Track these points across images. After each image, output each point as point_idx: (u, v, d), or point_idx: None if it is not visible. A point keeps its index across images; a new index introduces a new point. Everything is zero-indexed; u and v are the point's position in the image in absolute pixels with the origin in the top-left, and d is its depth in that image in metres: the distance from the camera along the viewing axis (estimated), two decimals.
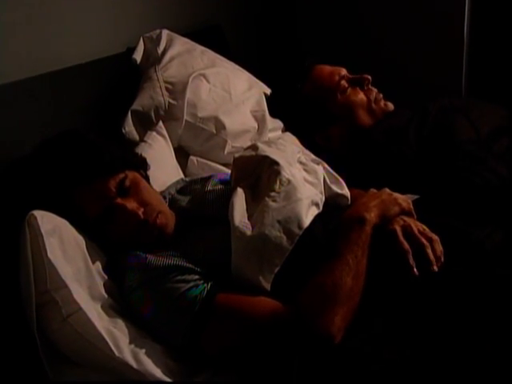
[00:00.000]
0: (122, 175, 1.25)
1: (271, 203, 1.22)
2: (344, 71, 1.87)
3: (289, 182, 1.26)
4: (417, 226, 1.23)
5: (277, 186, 1.25)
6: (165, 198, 1.42)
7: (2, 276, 1.22)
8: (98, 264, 1.24)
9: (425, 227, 1.24)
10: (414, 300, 1.13)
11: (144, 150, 1.54)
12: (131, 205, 1.23)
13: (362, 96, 1.83)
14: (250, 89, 1.87)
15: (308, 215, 1.23)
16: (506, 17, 2.07)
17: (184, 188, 1.47)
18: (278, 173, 1.28)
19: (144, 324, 1.19)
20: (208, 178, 1.46)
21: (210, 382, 1.15)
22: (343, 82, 1.84)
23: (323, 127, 1.84)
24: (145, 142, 1.59)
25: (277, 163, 1.30)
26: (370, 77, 1.85)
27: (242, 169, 1.35)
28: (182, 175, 1.63)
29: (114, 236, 1.26)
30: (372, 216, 1.21)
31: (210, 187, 1.40)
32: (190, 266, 1.19)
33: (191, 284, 1.15)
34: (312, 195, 1.27)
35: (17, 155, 1.36)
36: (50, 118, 1.51)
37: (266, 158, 1.32)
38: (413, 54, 2.21)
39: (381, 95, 1.85)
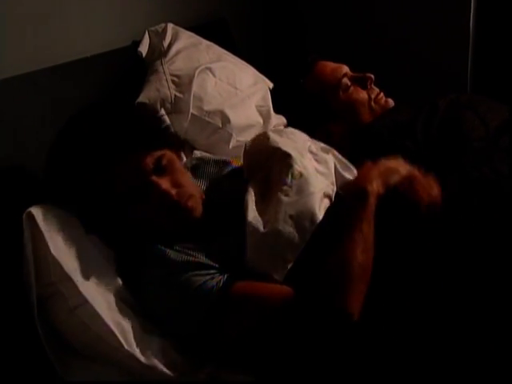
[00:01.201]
0: (160, 153, 1.23)
1: (283, 198, 1.22)
2: (347, 69, 1.87)
3: (301, 175, 1.26)
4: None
5: (289, 180, 1.25)
6: None
7: (7, 268, 1.22)
8: (105, 256, 1.24)
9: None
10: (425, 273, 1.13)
11: None
12: (166, 184, 1.21)
13: (363, 95, 1.84)
14: (256, 84, 1.87)
15: (321, 209, 1.23)
16: None
17: (197, 167, 1.46)
18: (289, 166, 1.27)
19: (156, 316, 1.18)
20: (223, 163, 1.46)
21: (210, 380, 1.15)
22: (346, 80, 1.84)
23: (324, 123, 1.84)
24: None
25: (289, 155, 1.29)
26: (372, 76, 1.85)
27: (254, 159, 1.35)
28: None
29: (143, 214, 1.22)
30: (374, 187, 1.20)
31: (224, 174, 1.40)
32: (208, 261, 1.18)
33: (208, 277, 1.15)
34: (324, 187, 1.27)
35: (21, 150, 1.36)
36: (56, 112, 1.50)
37: (278, 149, 1.31)
38: (418, 50, 2.21)
39: (382, 94, 1.85)
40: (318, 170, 1.32)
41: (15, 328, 1.20)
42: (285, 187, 1.24)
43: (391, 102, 1.84)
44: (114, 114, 1.23)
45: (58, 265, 1.13)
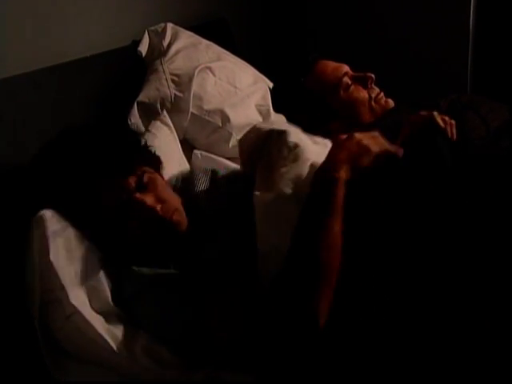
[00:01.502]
0: (139, 172, 1.25)
1: (282, 169, 1.22)
2: (347, 68, 1.88)
3: (296, 145, 1.25)
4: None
5: (285, 153, 1.24)
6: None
7: (7, 272, 1.23)
8: (100, 265, 1.24)
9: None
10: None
11: (149, 140, 1.52)
12: (150, 200, 1.22)
13: (364, 94, 1.84)
14: (255, 83, 1.87)
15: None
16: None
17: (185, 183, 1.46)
18: (285, 140, 1.26)
19: (144, 326, 1.18)
20: (212, 172, 1.45)
21: (208, 380, 1.14)
22: (346, 79, 1.84)
23: (324, 122, 1.84)
24: (149, 131, 1.59)
25: (283, 131, 1.28)
26: (373, 76, 1.85)
27: (252, 152, 1.34)
28: (187, 164, 1.63)
29: (129, 231, 1.24)
30: (342, 173, 1.14)
31: (218, 181, 1.39)
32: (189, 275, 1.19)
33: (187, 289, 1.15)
34: (321, 153, 1.24)
35: (22, 148, 1.36)
36: (56, 111, 1.51)
37: (272, 130, 1.31)
38: (418, 49, 2.22)
39: (382, 94, 1.85)
40: (314, 141, 1.32)
41: (13, 330, 1.21)
42: (282, 161, 1.23)
43: (391, 102, 1.84)
44: (94, 138, 1.25)
45: (54, 272, 1.15)
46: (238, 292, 1.12)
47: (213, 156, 1.68)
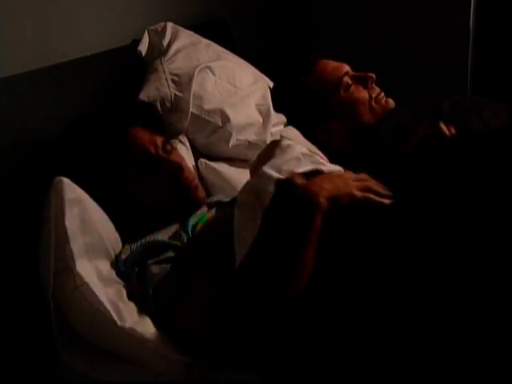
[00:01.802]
0: (166, 138, 1.33)
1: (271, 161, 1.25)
2: (348, 68, 1.87)
3: (288, 146, 1.29)
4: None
5: (277, 152, 1.28)
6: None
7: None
8: (115, 239, 1.26)
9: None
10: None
11: None
12: (176, 158, 1.31)
13: (364, 94, 1.84)
14: (256, 82, 1.87)
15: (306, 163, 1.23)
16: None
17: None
18: (277, 142, 1.32)
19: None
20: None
21: (208, 380, 1.14)
22: (347, 79, 1.84)
23: (324, 122, 1.84)
24: None
25: (277, 140, 1.34)
26: (373, 75, 1.85)
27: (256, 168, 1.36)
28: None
29: (148, 194, 1.27)
30: (324, 203, 1.07)
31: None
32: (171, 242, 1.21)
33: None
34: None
35: (21, 147, 1.36)
36: (55, 111, 1.50)
37: (268, 144, 1.36)
38: (418, 49, 2.22)
39: (382, 94, 1.85)
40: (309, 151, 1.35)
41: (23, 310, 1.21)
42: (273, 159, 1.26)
43: (391, 102, 1.84)
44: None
45: (66, 239, 1.14)
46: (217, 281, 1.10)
47: (217, 168, 1.69)
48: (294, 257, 1.01)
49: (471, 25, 2.12)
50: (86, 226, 1.19)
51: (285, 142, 1.32)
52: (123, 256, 1.23)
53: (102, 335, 1.14)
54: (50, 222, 1.16)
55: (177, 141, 1.64)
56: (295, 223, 1.05)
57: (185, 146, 1.66)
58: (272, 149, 1.32)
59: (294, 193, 1.09)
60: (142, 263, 1.19)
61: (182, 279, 1.13)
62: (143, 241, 1.24)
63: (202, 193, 1.35)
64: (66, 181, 1.19)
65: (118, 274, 1.22)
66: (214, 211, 1.33)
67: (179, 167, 1.29)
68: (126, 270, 1.21)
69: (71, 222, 1.16)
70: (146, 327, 1.12)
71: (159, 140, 1.32)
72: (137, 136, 1.30)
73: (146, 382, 1.14)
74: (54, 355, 1.15)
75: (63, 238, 1.15)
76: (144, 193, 1.27)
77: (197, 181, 1.34)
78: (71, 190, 1.19)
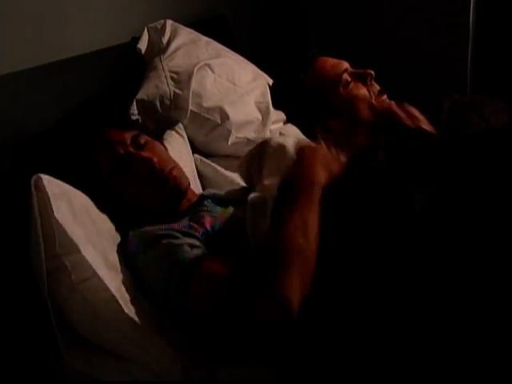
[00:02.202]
0: (136, 132, 1.30)
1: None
2: (347, 65, 1.87)
3: (280, 146, 1.32)
4: None
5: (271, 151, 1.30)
6: None
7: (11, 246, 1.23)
8: (108, 228, 1.24)
9: None
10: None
11: None
12: (145, 153, 1.27)
13: (364, 91, 1.83)
14: (255, 80, 1.87)
15: None
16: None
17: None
18: (267, 142, 1.34)
19: (146, 287, 1.18)
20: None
21: (208, 380, 1.14)
22: (346, 76, 1.84)
23: (324, 119, 1.84)
24: (164, 139, 1.59)
25: (268, 139, 1.36)
26: (373, 72, 1.84)
27: (249, 169, 1.37)
28: (197, 177, 1.65)
29: (129, 192, 1.26)
30: (321, 179, 1.16)
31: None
32: (189, 231, 1.19)
33: (185, 246, 1.14)
34: None
35: (21, 144, 1.37)
36: (55, 108, 1.50)
37: (261, 143, 1.36)
38: (418, 46, 2.22)
39: (382, 91, 1.85)
40: None
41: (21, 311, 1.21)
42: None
43: (392, 102, 1.84)
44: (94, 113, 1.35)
45: (63, 233, 1.12)
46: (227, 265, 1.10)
47: (212, 164, 1.69)
48: (300, 218, 1.08)
49: (471, 23, 2.11)
50: (77, 218, 1.17)
51: (275, 142, 1.33)
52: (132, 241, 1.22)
53: (99, 335, 1.14)
54: (36, 221, 1.13)
55: (173, 131, 1.63)
56: (298, 197, 1.12)
57: (181, 136, 1.65)
58: (264, 150, 1.33)
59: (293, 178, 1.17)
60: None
61: (195, 256, 1.13)
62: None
63: (185, 181, 1.30)
64: (45, 177, 1.17)
65: (127, 255, 1.21)
66: (231, 210, 1.31)
67: (148, 161, 1.26)
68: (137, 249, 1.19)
69: (62, 215, 1.13)
70: (149, 315, 1.13)
71: (128, 136, 1.29)
72: (102, 142, 1.28)
73: (146, 382, 1.14)
74: (54, 355, 1.15)
75: (52, 236, 1.12)
76: (125, 190, 1.26)
77: (176, 171, 1.29)
78: (53, 185, 1.16)
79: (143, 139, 1.30)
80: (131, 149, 1.28)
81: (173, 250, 1.14)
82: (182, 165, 1.42)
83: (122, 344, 1.13)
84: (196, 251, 1.13)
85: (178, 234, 1.17)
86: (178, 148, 1.60)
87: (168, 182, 1.26)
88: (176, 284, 1.10)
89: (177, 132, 1.65)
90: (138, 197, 1.26)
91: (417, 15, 2.19)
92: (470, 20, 2.11)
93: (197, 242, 1.16)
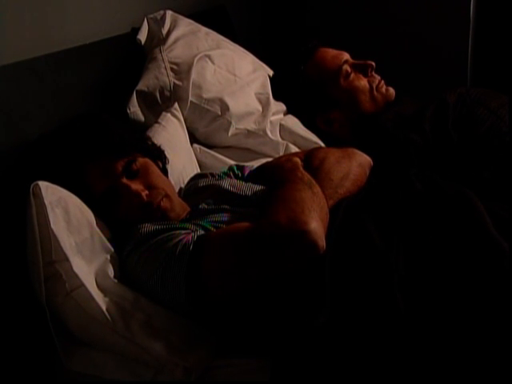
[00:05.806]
0: (130, 158, 1.26)
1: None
2: (347, 56, 1.87)
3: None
4: None
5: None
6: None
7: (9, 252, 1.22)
8: (104, 236, 1.23)
9: None
10: None
11: (157, 132, 1.53)
12: (136, 186, 1.24)
13: (364, 82, 1.83)
14: (255, 71, 1.86)
15: None
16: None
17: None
18: None
19: (144, 288, 1.18)
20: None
21: (208, 380, 1.15)
22: (346, 67, 1.84)
23: (324, 110, 1.84)
24: (159, 123, 1.58)
25: None
26: (373, 63, 1.84)
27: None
28: (194, 159, 1.64)
29: (118, 215, 1.26)
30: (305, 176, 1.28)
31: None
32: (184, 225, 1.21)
33: (182, 236, 1.16)
34: None
35: (20, 135, 1.36)
36: (54, 99, 1.50)
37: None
38: (418, 38, 2.21)
39: (383, 82, 1.85)
40: None
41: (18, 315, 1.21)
42: None
43: (392, 91, 1.84)
44: (83, 126, 1.27)
45: (56, 241, 1.12)
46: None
47: (211, 152, 1.69)
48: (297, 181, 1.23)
49: (471, 16, 2.11)
50: (72, 226, 1.17)
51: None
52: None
53: (98, 340, 1.14)
54: (33, 228, 1.13)
55: (169, 114, 1.61)
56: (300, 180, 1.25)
57: (177, 118, 1.63)
58: None
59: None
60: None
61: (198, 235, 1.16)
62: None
63: (172, 211, 1.28)
64: (44, 184, 1.16)
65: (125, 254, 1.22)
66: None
67: (138, 195, 1.23)
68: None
69: (57, 224, 1.13)
70: (145, 330, 1.13)
71: (121, 165, 1.24)
72: (94, 170, 1.23)
73: (146, 382, 1.14)
74: (53, 356, 1.15)
75: (49, 243, 1.12)
76: (115, 211, 1.25)
77: (165, 202, 1.26)
78: (50, 193, 1.16)
79: (137, 165, 1.26)
80: (122, 180, 1.24)
81: (171, 235, 1.17)
82: (177, 157, 1.45)
83: (121, 345, 1.13)
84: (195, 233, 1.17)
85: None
86: (173, 133, 1.58)
87: (156, 213, 1.25)
88: (187, 260, 1.12)
89: (172, 114, 1.62)
90: (126, 218, 1.26)
91: (418, 7, 2.19)
92: (471, 12, 2.11)
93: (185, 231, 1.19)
